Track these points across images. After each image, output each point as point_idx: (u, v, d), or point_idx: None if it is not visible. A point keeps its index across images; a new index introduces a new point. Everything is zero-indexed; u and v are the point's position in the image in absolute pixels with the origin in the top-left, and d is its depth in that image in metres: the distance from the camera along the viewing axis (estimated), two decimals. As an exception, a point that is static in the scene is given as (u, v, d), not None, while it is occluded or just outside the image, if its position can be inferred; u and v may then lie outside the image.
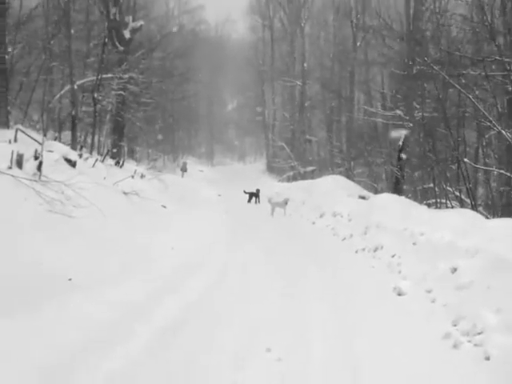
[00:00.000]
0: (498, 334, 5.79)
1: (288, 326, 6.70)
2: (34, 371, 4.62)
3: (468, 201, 16.19)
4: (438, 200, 18.09)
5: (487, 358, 5.56)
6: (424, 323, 6.94)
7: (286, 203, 20.64)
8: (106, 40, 22.89)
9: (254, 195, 26.46)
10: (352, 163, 32.35)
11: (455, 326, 6.59)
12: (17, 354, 4.80)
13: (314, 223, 18.21)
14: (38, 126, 20.57)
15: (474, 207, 15.09)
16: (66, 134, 21.06)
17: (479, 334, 6.08)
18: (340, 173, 31.80)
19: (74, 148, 17.29)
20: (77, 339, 5.43)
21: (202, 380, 5.12)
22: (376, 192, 24.51)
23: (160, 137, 40.36)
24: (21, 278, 6.36)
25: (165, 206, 16.16)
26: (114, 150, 24.10)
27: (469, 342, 6.08)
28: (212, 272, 9.80)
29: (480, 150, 18.47)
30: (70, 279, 6.96)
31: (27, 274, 6.51)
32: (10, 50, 16.86)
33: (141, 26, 26.88)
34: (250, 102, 61.00)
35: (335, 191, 21.88)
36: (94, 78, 21.61)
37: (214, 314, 7.07)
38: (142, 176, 19.11)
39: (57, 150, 13.15)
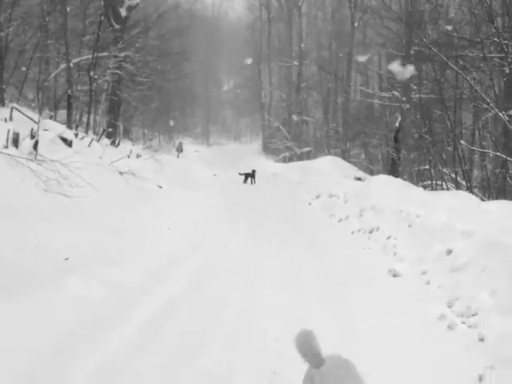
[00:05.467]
0: (493, 316, 5.83)
1: (285, 306, 6.76)
2: (27, 357, 4.63)
3: (463, 183, 16.22)
4: (434, 182, 18.12)
5: (481, 340, 5.61)
6: (419, 304, 6.99)
7: None
8: (102, 18, 22.63)
9: (250, 176, 26.50)
10: (348, 144, 32.30)
11: (450, 307, 6.64)
12: (10, 337, 4.81)
13: (310, 204, 18.23)
14: (33, 105, 20.43)
15: (469, 189, 15.13)
16: (62, 113, 20.91)
17: (474, 315, 6.13)
18: (336, 154, 31.82)
19: (69, 127, 17.21)
20: (73, 321, 5.45)
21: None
22: (372, 173, 24.54)
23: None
24: (18, 259, 6.35)
25: (160, 186, 16.14)
26: (110, 130, 23.99)
27: (463, 323, 6.13)
28: (206, 257, 9.79)
29: (476, 132, 18.47)
30: (66, 259, 6.97)
31: (24, 256, 6.49)
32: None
33: (137, 4, 26.58)
34: (246, 82, 60.63)
35: (331, 172, 21.91)
36: (90, 56, 21.44)
37: (209, 301, 7.09)
38: (138, 156, 19.08)
39: (52, 128, 13.10)
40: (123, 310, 6.09)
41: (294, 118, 42.22)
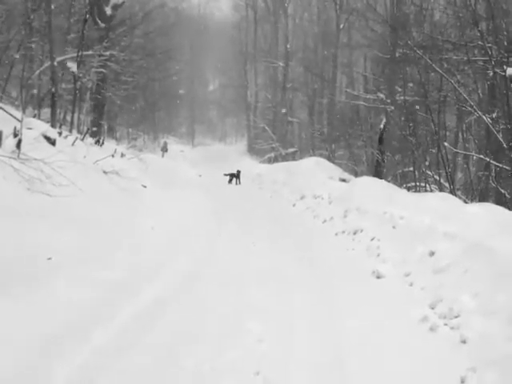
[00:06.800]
0: (475, 318, 5.87)
1: (272, 308, 6.77)
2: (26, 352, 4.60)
3: (447, 185, 16.34)
4: (418, 183, 18.22)
5: (463, 342, 5.64)
6: (402, 306, 7.02)
7: None
8: (87, 16, 22.49)
9: (235, 176, 26.50)
10: (333, 145, 32.39)
11: (432, 308, 6.67)
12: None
13: (294, 205, 18.23)
14: (16, 103, 20.27)
15: (452, 191, 15.23)
16: (46, 112, 20.75)
17: (456, 317, 6.16)
18: (321, 155, 31.85)
19: (53, 126, 17.05)
20: (60, 322, 5.42)
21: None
22: (356, 175, 24.61)
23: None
24: (1, 261, 6.28)
25: (145, 186, 16.04)
26: (94, 129, 23.85)
27: (445, 325, 6.16)
28: (198, 257, 9.76)
29: (460, 135, 18.64)
30: (49, 258, 6.89)
31: (7, 257, 6.41)
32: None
33: (122, 2, 26.47)
34: (231, 82, 60.58)
35: (316, 173, 21.94)
36: (75, 54, 21.28)
37: (196, 300, 7.10)
38: (122, 155, 18.96)
39: (36, 127, 12.95)
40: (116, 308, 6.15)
41: (283, 111, 42.32)
